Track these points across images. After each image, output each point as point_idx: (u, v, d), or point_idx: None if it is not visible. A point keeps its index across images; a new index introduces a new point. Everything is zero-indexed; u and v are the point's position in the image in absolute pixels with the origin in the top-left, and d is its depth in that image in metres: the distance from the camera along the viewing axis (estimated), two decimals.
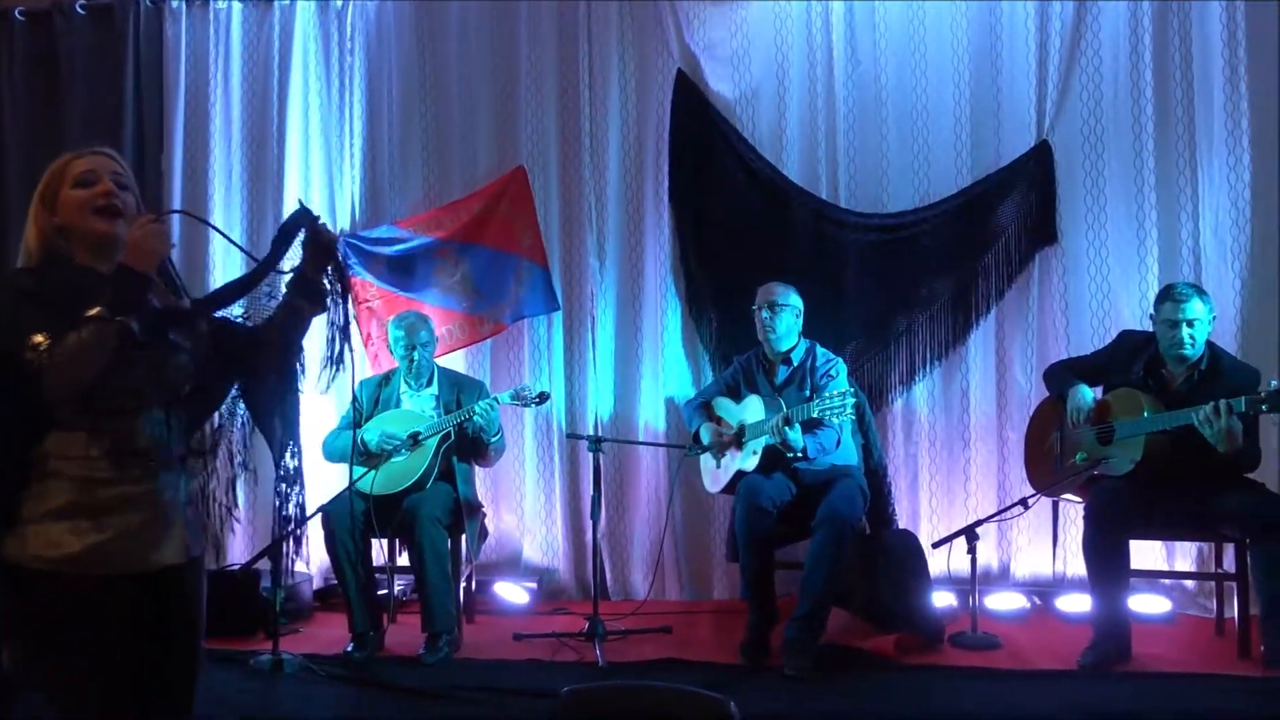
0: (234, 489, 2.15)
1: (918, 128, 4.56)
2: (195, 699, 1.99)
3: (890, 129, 4.59)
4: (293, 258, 2.05)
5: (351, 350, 2.12)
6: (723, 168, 4.67)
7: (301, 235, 2.05)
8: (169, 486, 1.90)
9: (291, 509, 2.27)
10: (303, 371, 2.16)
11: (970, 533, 3.84)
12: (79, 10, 4.94)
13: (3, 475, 1.79)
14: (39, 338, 1.73)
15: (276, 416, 2.22)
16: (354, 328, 4.71)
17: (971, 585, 3.89)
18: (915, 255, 4.51)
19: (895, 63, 4.59)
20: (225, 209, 4.90)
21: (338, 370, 2.10)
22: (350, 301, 2.12)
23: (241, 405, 2.40)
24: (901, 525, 4.37)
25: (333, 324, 2.10)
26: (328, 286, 2.06)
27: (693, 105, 4.68)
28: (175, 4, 4.89)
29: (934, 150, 4.55)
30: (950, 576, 4.14)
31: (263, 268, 2.02)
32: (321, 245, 2.04)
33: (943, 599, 4.15)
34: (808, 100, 4.64)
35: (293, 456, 2.26)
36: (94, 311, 1.73)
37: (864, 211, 4.57)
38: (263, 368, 2.11)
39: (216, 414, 2.17)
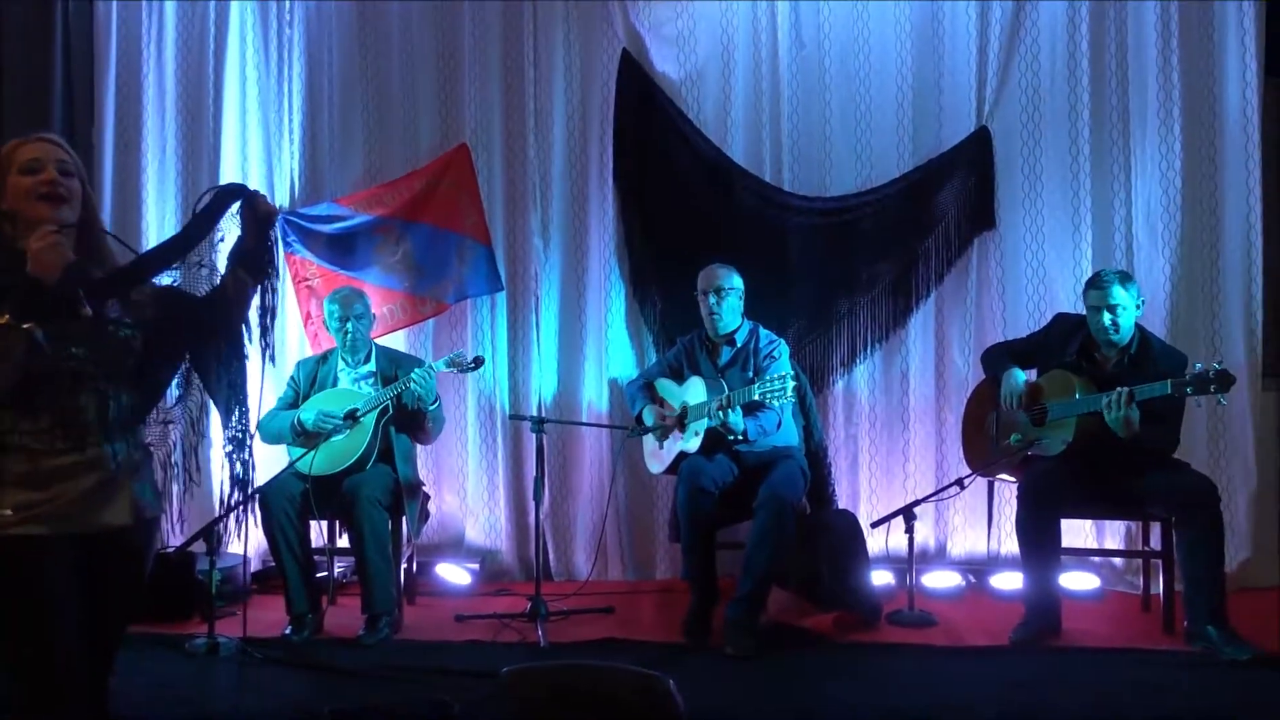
0: (196, 456, 2.18)
1: (860, 112, 4.60)
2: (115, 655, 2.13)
3: (833, 112, 4.62)
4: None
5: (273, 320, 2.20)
6: (667, 148, 4.66)
7: (237, 206, 2.08)
8: (116, 453, 2.02)
9: (241, 472, 2.27)
10: (249, 339, 2.21)
11: (908, 512, 3.90)
12: None
13: None
14: None
15: (225, 383, 2.20)
16: (290, 305, 4.66)
17: (909, 564, 3.96)
18: (857, 239, 4.56)
19: (839, 46, 4.62)
20: (159, 183, 4.77)
21: (268, 351, 2.20)
22: (280, 279, 2.21)
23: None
24: (841, 505, 4.43)
25: (265, 299, 2.17)
26: (268, 257, 2.12)
27: (638, 85, 4.67)
28: None
29: (876, 134, 4.60)
30: (889, 555, 4.22)
31: (192, 235, 2.05)
32: (259, 216, 2.10)
33: (881, 578, 4.22)
34: (753, 82, 4.65)
35: (240, 421, 2.25)
36: (2, 319, 1.83)
37: (807, 195, 4.60)
38: (209, 335, 2.16)
39: (175, 382, 2.20)
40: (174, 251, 2.08)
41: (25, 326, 1.85)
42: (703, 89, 4.68)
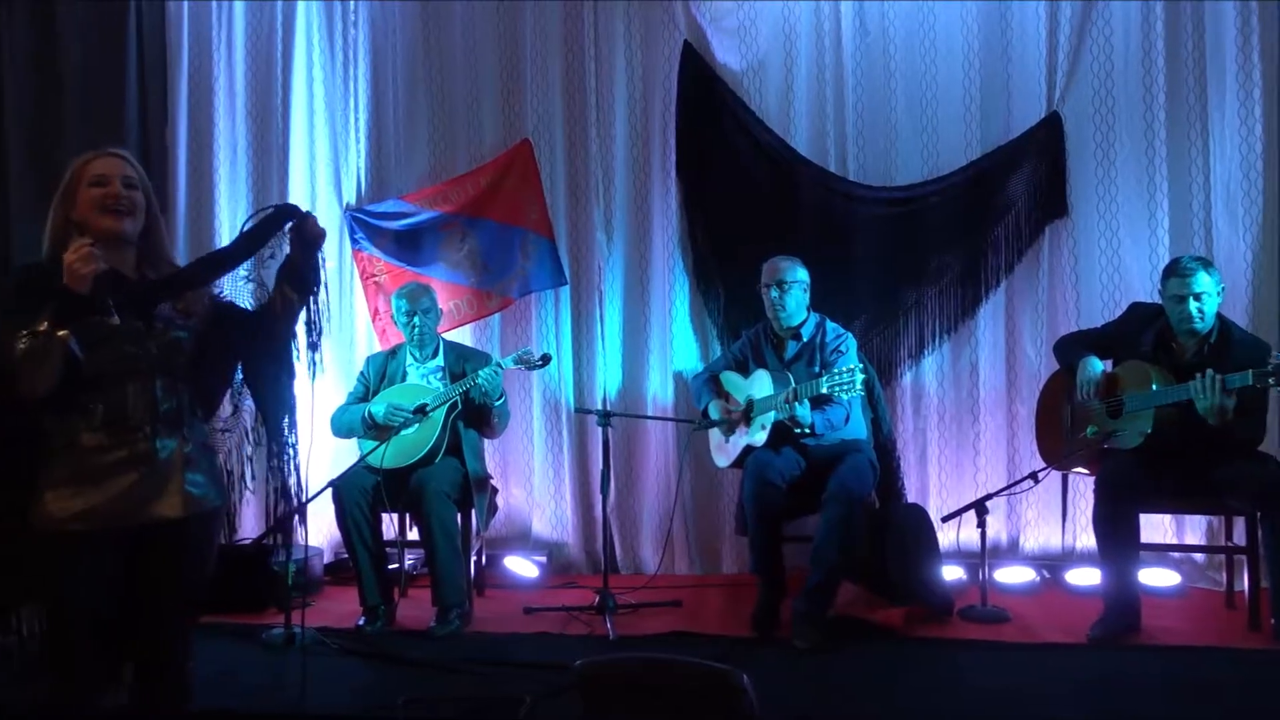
0: (251, 462, 2.28)
1: (927, 99, 4.53)
2: (190, 652, 2.28)
3: (899, 100, 4.55)
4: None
5: (321, 337, 2.30)
6: (730, 140, 4.63)
7: (288, 226, 2.19)
8: (165, 448, 2.14)
9: (289, 484, 2.36)
10: (297, 354, 2.31)
11: (980, 506, 3.84)
12: None
13: (19, 451, 2.06)
14: (36, 327, 1.96)
15: (271, 394, 2.33)
16: (358, 301, 4.74)
17: (981, 559, 3.90)
18: (924, 228, 4.48)
19: (904, 33, 4.54)
20: (230, 182, 4.87)
21: (315, 367, 2.32)
22: (326, 297, 2.29)
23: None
24: (910, 499, 4.38)
25: (309, 316, 2.27)
26: (315, 276, 2.22)
27: (699, 77, 4.64)
28: None
29: (943, 122, 4.52)
30: (960, 550, 4.14)
31: (238, 252, 2.17)
32: (308, 237, 2.20)
33: (952, 573, 4.15)
34: (815, 72, 4.60)
35: (289, 432, 2.33)
36: (41, 327, 1.97)
37: (872, 184, 4.54)
38: (256, 347, 2.27)
39: (231, 390, 2.35)
40: (218, 266, 2.20)
41: (61, 334, 1.97)
42: (765, 79, 4.64)
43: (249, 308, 2.30)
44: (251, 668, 3.46)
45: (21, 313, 2.00)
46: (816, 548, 3.63)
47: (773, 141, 4.58)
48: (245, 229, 2.19)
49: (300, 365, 2.34)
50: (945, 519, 3.96)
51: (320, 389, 4.53)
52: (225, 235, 4.78)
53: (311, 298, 2.25)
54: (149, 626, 2.20)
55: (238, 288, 2.36)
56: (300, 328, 2.29)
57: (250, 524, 4.66)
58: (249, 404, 2.35)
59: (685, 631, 3.72)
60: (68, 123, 4.84)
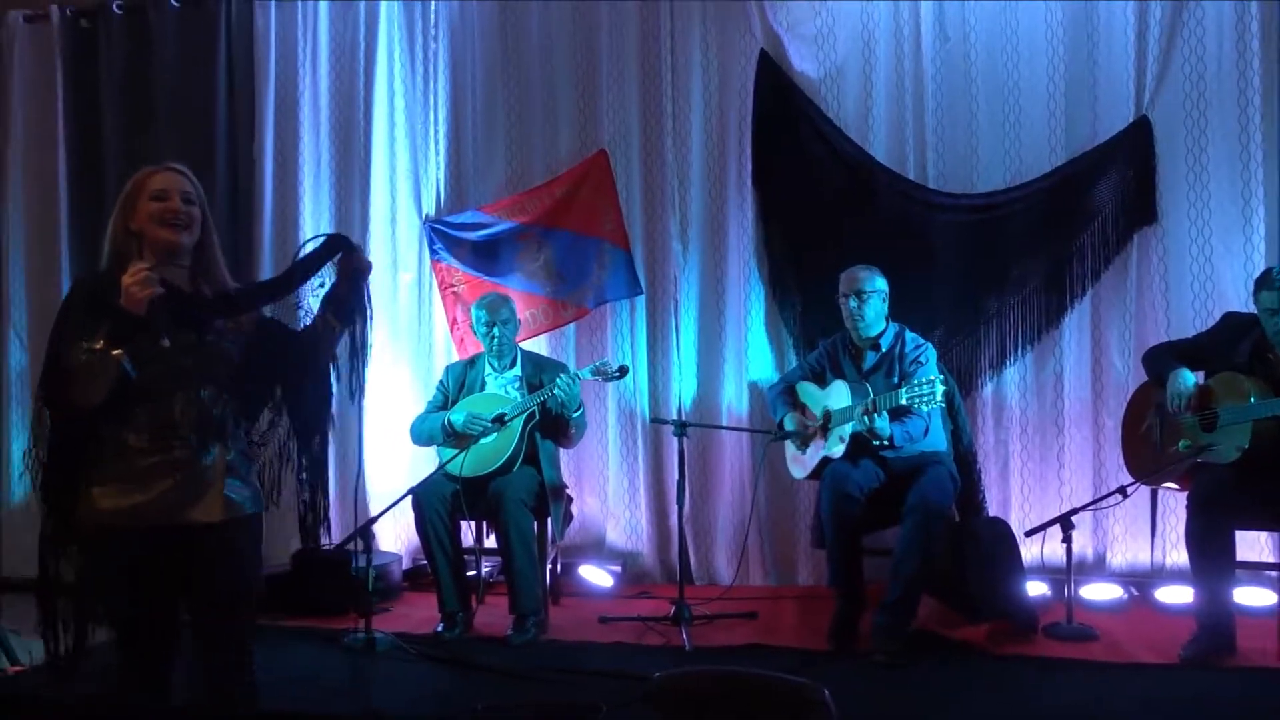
0: (280, 478, 2.40)
1: (1009, 105, 4.44)
2: (249, 656, 2.35)
3: (980, 106, 4.47)
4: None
5: (364, 368, 2.38)
6: (807, 149, 4.59)
7: (337, 257, 2.28)
8: (209, 455, 2.23)
9: (317, 500, 2.47)
10: (337, 379, 2.40)
11: (1065, 521, 3.74)
12: (173, 3, 5.06)
13: (72, 450, 2.20)
14: (92, 344, 2.08)
15: (306, 415, 2.42)
16: (437, 310, 4.81)
17: (1067, 575, 3.79)
18: (1006, 236, 4.39)
19: (985, 38, 4.46)
20: (314, 196, 4.98)
21: (359, 393, 2.39)
22: (370, 326, 2.37)
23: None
24: (992, 513, 4.29)
25: (353, 343, 2.35)
26: (358, 303, 2.31)
27: (776, 86, 4.61)
28: None
29: (1026, 128, 4.42)
30: (1044, 565, 4.02)
31: (293, 280, 2.27)
32: (353, 270, 2.29)
33: (1036, 588, 4.05)
34: (894, 79, 4.54)
35: (320, 451, 2.44)
36: (95, 345, 2.07)
37: (953, 192, 4.46)
38: (296, 369, 2.36)
39: (269, 406, 2.43)
40: (271, 294, 2.32)
41: (115, 353, 2.08)
42: (843, 87, 4.60)
43: (294, 329, 2.37)
44: (332, 671, 3.52)
45: (83, 325, 2.11)
46: (896, 561, 3.57)
47: (850, 149, 4.54)
48: (299, 258, 2.29)
49: (343, 389, 2.42)
50: (1029, 533, 3.87)
51: (400, 399, 4.67)
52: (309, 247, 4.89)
53: (355, 327, 2.33)
54: (201, 630, 2.30)
55: (287, 311, 2.44)
56: (343, 352, 2.37)
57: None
58: (285, 420, 2.42)
59: (761, 644, 3.69)
60: (160, 139, 5.02)
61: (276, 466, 2.40)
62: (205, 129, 4.98)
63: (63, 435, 2.21)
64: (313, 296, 2.33)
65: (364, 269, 2.31)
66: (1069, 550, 3.75)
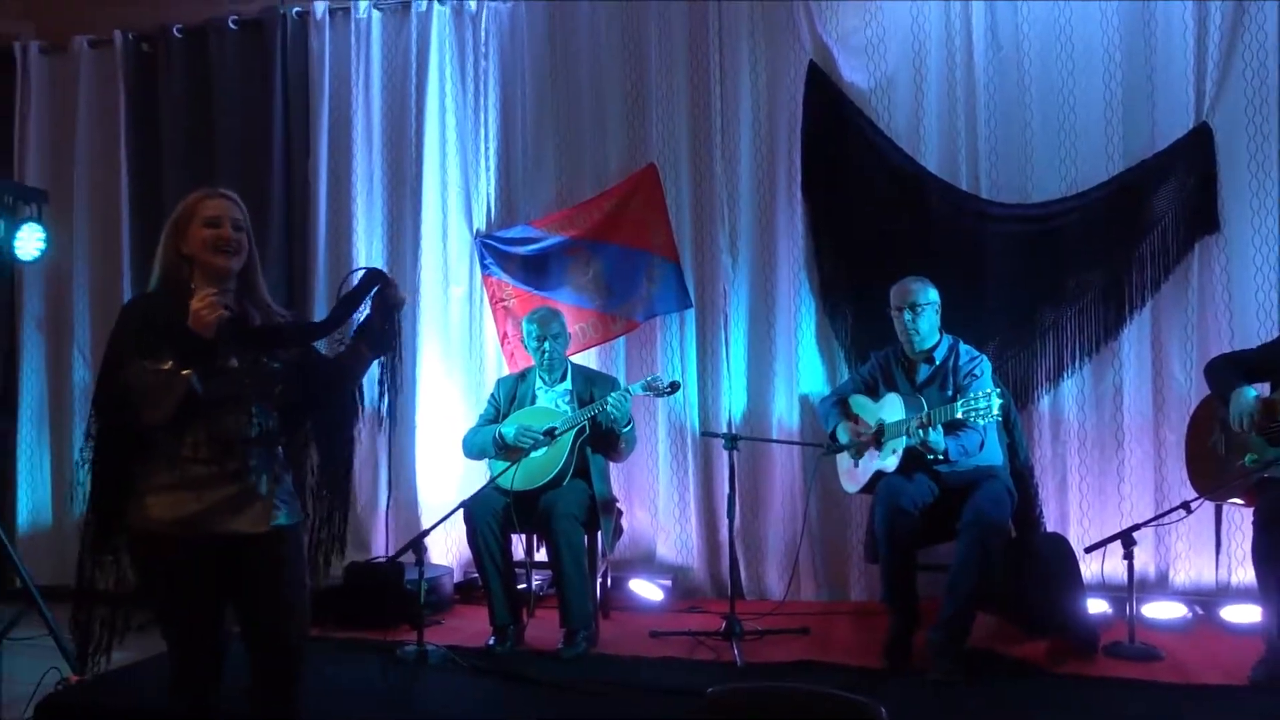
0: (301, 495, 2.54)
1: (1064, 113, 4.37)
2: (301, 658, 2.43)
3: (1034, 115, 4.41)
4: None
5: (396, 393, 2.52)
6: (857, 160, 4.56)
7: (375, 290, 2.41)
8: (256, 469, 2.33)
9: (334, 520, 2.61)
10: (361, 402, 2.57)
11: (1127, 537, 3.66)
12: (231, 25, 5.17)
13: (120, 462, 2.28)
14: (148, 363, 2.18)
15: (329, 438, 2.56)
16: (488, 324, 4.84)
17: (1129, 592, 3.70)
18: (1062, 246, 4.32)
19: (1039, 46, 4.41)
20: (366, 212, 5.05)
21: (386, 419, 2.55)
22: (400, 358, 2.52)
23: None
24: (1049, 528, 4.20)
25: (384, 371, 2.49)
26: (390, 335, 2.43)
27: (825, 97, 4.59)
28: (319, 15, 5.06)
29: (1082, 136, 4.35)
30: (1104, 583, 3.94)
31: (340, 317, 2.40)
32: (388, 302, 2.40)
33: (1096, 606, 3.96)
34: (946, 88, 4.50)
35: (342, 472, 2.60)
36: (166, 365, 2.18)
37: (1007, 201, 4.40)
38: (325, 393, 2.49)
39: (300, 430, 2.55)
40: (321, 332, 2.43)
41: (185, 373, 2.19)
42: (893, 97, 4.56)
43: (327, 355, 2.49)
44: (384, 683, 3.53)
45: (145, 345, 2.21)
46: (952, 577, 3.51)
47: (902, 160, 4.50)
48: (343, 294, 2.41)
49: (374, 417, 2.60)
50: (1089, 549, 3.79)
51: (451, 412, 4.70)
52: (362, 264, 4.95)
53: (386, 357, 2.46)
54: (252, 640, 2.38)
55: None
56: (371, 381, 2.51)
57: (379, 545, 4.81)
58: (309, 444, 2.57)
59: (814, 660, 3.64)
60: (219, 159, 5.13)
61: (305, 488, 2.51)
62: (262, 148, 5.08)
63: (112, 448, 2.31)
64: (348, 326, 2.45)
65: (398, 302, 2.42)
66: (1130, 567, 3.66)
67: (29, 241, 4.14)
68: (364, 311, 2.40)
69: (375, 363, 2.46)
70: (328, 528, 2.53)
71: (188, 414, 2.25)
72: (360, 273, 2.44)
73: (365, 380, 2.53)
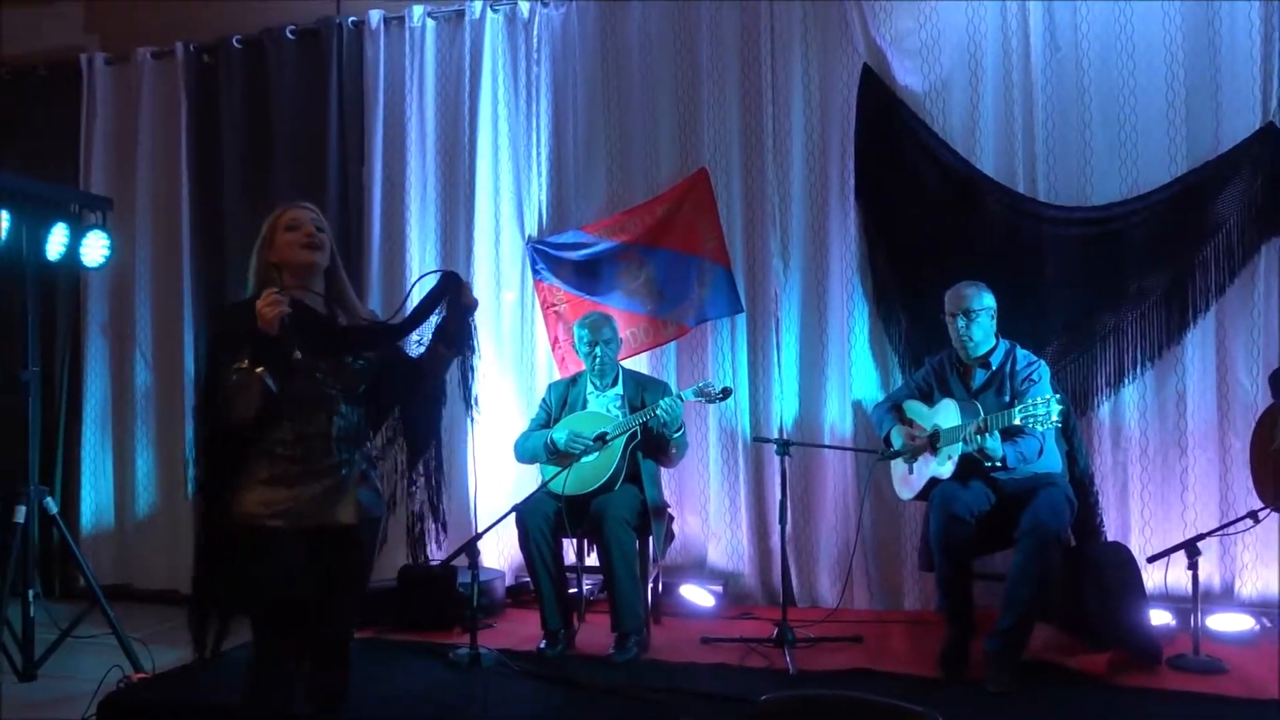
0: (395, 489, 2.70)
1: (1125, 114, 4.28)
2: (352, 639, 2.64)
3: (1094, 117, 4.33)
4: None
5: (474, 385, 2.63)
6: (911, 163, 4.51)
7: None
8: (346, 463, 2.49)
9: (425, 515, 2.77)
10: (444, 399, 2.68)
11: (1191, 547, 3.58)
12: (288, 35, 5.26)
13: (226, 455, 2.43)
14: (239, 364, 2.31)
15: (417, 436, 2.69)
16: (539, 329, 4.87)
17: (1193, 604, 3.61)
18: (1123, 249, 4.23)
19: (1099, 46, 4.33)
20: (420, 218, 5.09)
21: (470, 409, 2.67)
22: (477, 356, 2.61)
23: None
24: (1110, 538, 4.12)
25: (464, 369, 2.60)
26: (465, 335, 2.53)
27: (879, 100, 4.55)
28: (374, 24, 5.13)
29: (1142, 138, 4.26)
30: (1167, 594, 3.87)
31: (419, 319, 2.52)
32: (462, 305, 2.52)
33: (1159, 617, 3.87)
34: (1003, 90, 4.43)
35: (433, 464, 2.75)
36: (242, 364, 2.30)
37: (1065, 204, 4.33)
38: (409, 393, 2.63)
39: (387, 427, 2.69)
40: (399, 334, 2.55)
41: (258, 370, 2.31)
42: (948, 100, 4.50)
43: (410, 356, 2.60)
44: (438, 686, 3.56)
45: (230, 349, 2.35)
46: (1010, 586, 3.45)
47: (957, 163, 4.44)
48: (420, 300, 2.52)
49: (458, 405, 2.67)
50: (1151, 559, 3.71)
51: (503, 416, 4.72)
52: (416, 271, 5.02)
53: (464, 357, 2.56)
54: (321, 623, 2.52)
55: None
56: (453, 377, 2.62)
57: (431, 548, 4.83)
58: (401, 440, 2.70)
59: (868, 669, 3.60)
60: (276, 167, 5.22)
61: (394, 481, 2.65)
62: (318, 155, 5.16)
63: (215, 447, 2.47)
64: (424, 327, 2.56)
65: (472, 305, 2.54)
66: (1195, 578, 3.58)
67: (94, 248, 4.25)
68: (440, 314, 2.51)
69: (454, 362, 2.57)
70: (420, 524, 2.70)
71: (273, 412, 2.39)
72: (435, 276, 2.55)
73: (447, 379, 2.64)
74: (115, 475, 5.49)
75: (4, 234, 3.91)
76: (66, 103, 5.56)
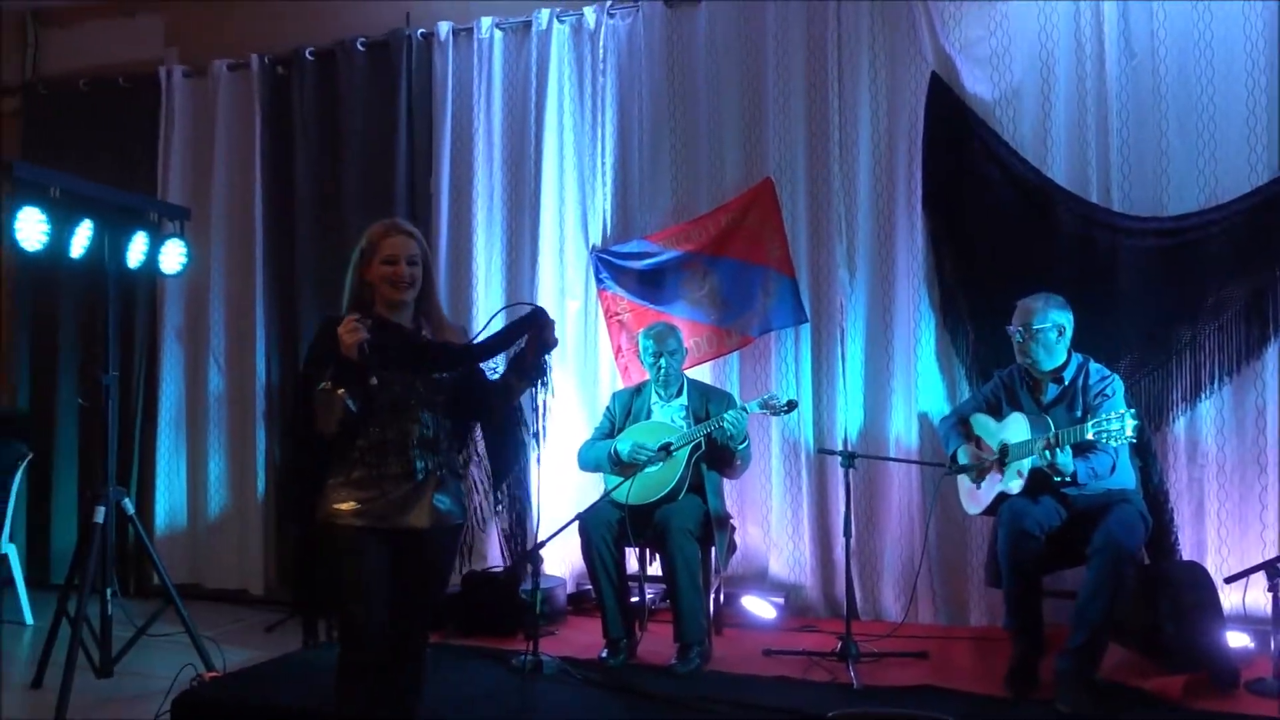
0: (478, 502, 2.89)
1: (1204, 122, 4.18)
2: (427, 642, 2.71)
3: (1171, 125, 4.23)
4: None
5: (544, 422, 2.78)
6: (980, 172, 4.44)
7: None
8: (423, 470, 2.58)
9: (514, 530, 2.80)
10: (525, 427, 2.83)
11: (1271, 568, 3.46)
12: (359, 47, 5.36)
13: (314, 460, 2.57)
14: (323, 384, 2.44)
15: (496, 457, 2.83)
16: (602, 338, 4.89)
17: (1273, 626, 3.50)
18: (1201, 261, 4.12)
19: (1176, 52, 4.23)
20: (486, 227, 5.15)
21: (538, 442, 2.80)
22: (549, 388, 2.70)
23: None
24: (1185, 557, 4.01)
25: (535, 403, 2.71)
26: (538, 371, 2.62)
27: (948, 109, 4.49)
28: (443, 36, 5.20)
29: (1222, 146, 4.15)
30: (1245, 615, 3.74)
31: (499, 345, 2.60)
32: (542, 342, 2.60)
33: (1237, 639, 3.75)
34: (1075, 98, 4.35)
35: (516, 489, 3.09)
36: (324, 385, 2.43)
37: (1141, 215, 4.23)
38: (487, 415, 2.79)
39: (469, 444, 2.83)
40: (470, 357, 2.62)
41: (340, 393, 2.43)
42: (1019, 107, 4.43)
43: (489, 380, 2.71)
44: (500, 691, 3.59)
45: (320, 366, 2.48)
46: (1081, 604, 3.38)
47: (1027, 172, 4.37)
48: (504, 327, 2.60)
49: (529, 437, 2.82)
50: (1229, 580, 3.60)
51: (566, 425, 4.75)
52: (481, 279, 5.07)
53: (534, 387, 2.65)
54: (400, 625, 2.59)
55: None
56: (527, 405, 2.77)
57: (496, 555, 4.88)
58: (480, 459, 2.86)
59: (934, 686, 3.55)
60: (347, 176, 5.33)
61: (474, 498, 2.78)
62: (387, 164, 5.25)
63: (300, 450, 2.63)
64: (501, 355, 2.67)
65: (552, 343, 2.61)
66: (1276, 599, 3.46)
67: (172, 256, 4.35)
68: (519, 346, 2.60)
69: (527, 392, 2.67)
70: (513, 538, 2.79)
71: (356, 423, 2.51)
72: (526, 308, 2.63)
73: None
74: (188, 477, 5.63)
75: (87, 242, 4.03)
76: (146, 114, 5.74)
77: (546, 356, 2.62)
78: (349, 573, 2.54)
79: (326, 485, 2.57)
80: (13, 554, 5.09)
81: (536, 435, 2.77)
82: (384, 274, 2.60)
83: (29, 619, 5.02)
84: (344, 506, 2.54)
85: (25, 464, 5.15)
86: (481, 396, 2.69)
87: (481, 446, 2.83)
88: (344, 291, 2.66)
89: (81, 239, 4.00)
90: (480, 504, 2.93)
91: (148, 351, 5.70)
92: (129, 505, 4.25)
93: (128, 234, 4.18)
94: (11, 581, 5.08)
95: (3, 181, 3.98)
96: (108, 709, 3.77)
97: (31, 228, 3.85)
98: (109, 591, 4.07)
